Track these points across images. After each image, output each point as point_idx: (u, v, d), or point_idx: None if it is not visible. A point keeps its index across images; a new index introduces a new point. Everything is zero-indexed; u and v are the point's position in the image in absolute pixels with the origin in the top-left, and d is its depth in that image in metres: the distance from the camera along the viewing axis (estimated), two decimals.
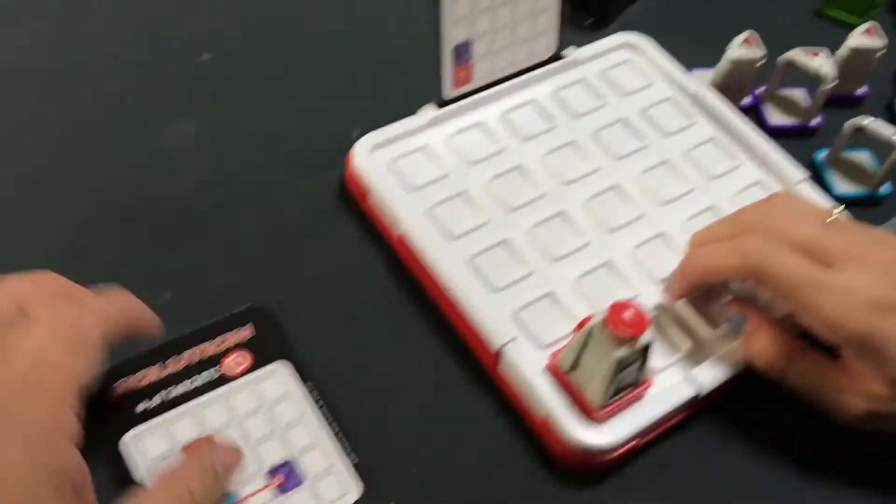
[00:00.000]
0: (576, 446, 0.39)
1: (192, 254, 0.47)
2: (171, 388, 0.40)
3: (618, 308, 0.37)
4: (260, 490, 0.38)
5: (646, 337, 0.37)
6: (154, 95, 0.53)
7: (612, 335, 0.37)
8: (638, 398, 0.41)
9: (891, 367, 0.37)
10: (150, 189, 0.49)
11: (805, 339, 0.41)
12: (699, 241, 0.44)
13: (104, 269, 0.45)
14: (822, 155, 0.53)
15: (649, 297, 0.44)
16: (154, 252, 0.46)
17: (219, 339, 0.42)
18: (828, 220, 0.41)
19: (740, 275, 0.41)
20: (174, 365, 0.41)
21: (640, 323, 0.37)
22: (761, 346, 0.41)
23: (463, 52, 0.48)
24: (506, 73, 0.51)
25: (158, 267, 0.46)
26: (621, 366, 0.38)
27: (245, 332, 0.43)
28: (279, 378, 0.41)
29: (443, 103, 0.49)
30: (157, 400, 0.40)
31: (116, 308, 0.38)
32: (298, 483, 0.38)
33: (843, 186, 0.52)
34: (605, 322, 0.37)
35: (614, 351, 0.37)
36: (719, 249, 0.41)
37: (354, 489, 0.39)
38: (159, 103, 0.53)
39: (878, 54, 0.54)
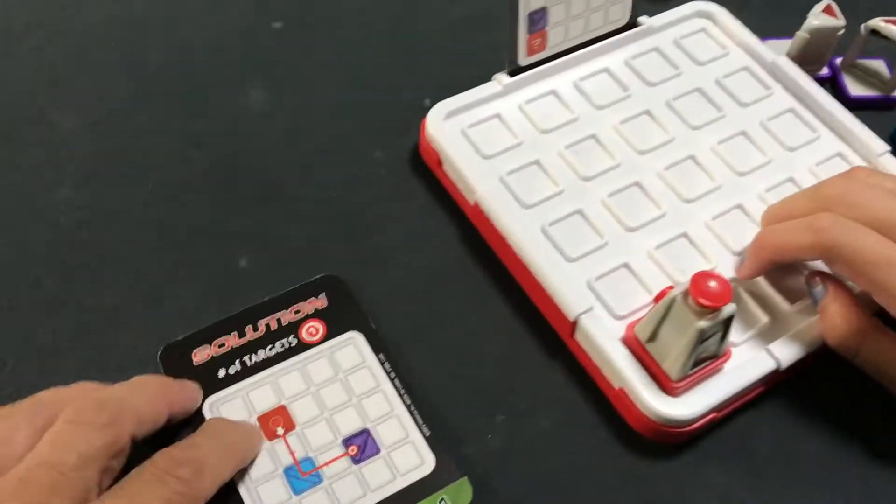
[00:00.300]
0: (653, 418, 0.39)
1: (267, 221, 0.47)
2: (249, 355, 0.41)
3: (702, 277, 0.36)
4: (337, 458, 0.38)
5: (729, 308, 0.37)
6: (227, 64, 0.53)
7: (694, 305, 0.36)
8: (716, 371, 0.40)
9: None
10: (226, 156, 0.49)
11: (882, 317, 0.40)
12: (773, 216, 0.43)
13: (181, 236, 0.46)
14: None
15: (726, 269, 0.43)
16: (230, 218, 0.47)
17: (294, 307, 0.42)
18: None
19: (814, 253, 0.40)
20: (251, 333, 0.42)
21: (724, 293, 0.36)
22: (835, 321, 0.40)
23: (538, 19, 0.47)
24: (579, 41, 0.50)
25: (234, 233, 0.46)
26: (702, 337, 0.37)
27: (319, 301, 0.43)
28: (353, 348, 0.41)
29: (515, 71, 0.49)
30: (235, 367, 0.40)
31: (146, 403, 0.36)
32: (375, 452, 0.39)
33: None
34: (688, 292, 0.36)
35: (696, 322, 0.37)
36: (792, 227, 0.40)
37: (429, 460, 0.38)
38: (232, 72, 0.53)
39: None
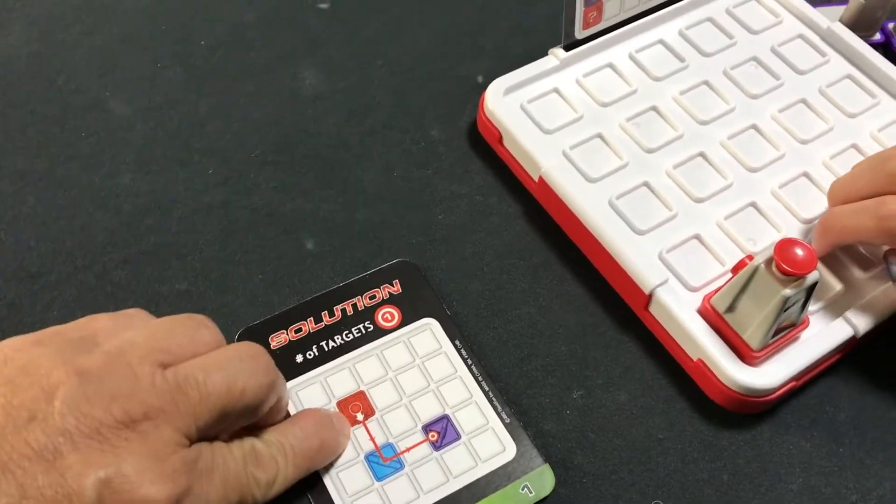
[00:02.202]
0: (734, 388, 0.39)
1: (329, 203, 0.46)
2: (326, 340, 0.41)
3: (787, 245, 0.36)
4: (418, 444, 0.38)
5: (813, 275, 0.37)
6: (276, 46, 0.53)
7: (778, 273, 0.36)
8: (795, 339, 0.40)
9: None
10: (283, 138, 0.49)
11: None
12: (839, 193, 0.42)
13: (244, 220, 0.45)
14: None
15: (797, 238, 0.43)
16: (292, 202, 0.46)
17: (369, 292, 0.42)
18: None
19: (880, 238, 0.39)
20: (327, 318, 0.41)
21: (810, 260, 0.36)
22: None
23: None
24: (634, 13, 0.49)
25: (298, 216, 0.46)
26: (785, 305, 0.37)
27: (394, 287, 0.42)
28: (429, 333, 0.41)
29: (570, 45, 0.48)
30: (313, 352, 0.40)
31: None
32: (455, 438, 0.38)
33: None
34: (773, 259, 0.36)
35: (781, 290, 0.36)
36: (857, 212, 0.40)
37: (510, 447, 0.38)
38: (282, 53, 0.52)
39: None
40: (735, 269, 0.39)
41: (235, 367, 0.33)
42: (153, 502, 0.29)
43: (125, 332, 0.33)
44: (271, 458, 0.34)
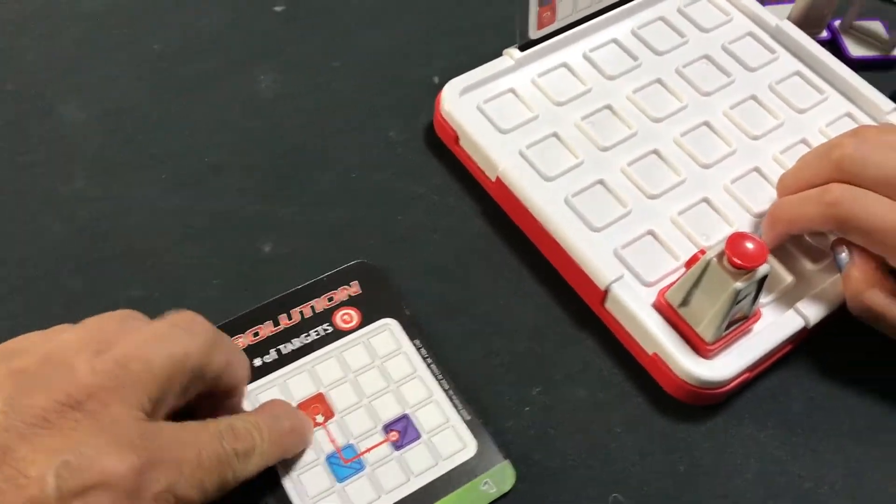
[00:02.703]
0: (688, 381, 0.39)
1: (287, 206, 0.46)
2: (284, 343, 0.41)
3: (738, 239, 0.37)
4: (378, 444, 0.38)
5: (764, 268, 0.37)
6: (232, 50, 0.53)
7: (730, 267, 0.37)
8: (747, 331, 0.41)
9: None
10: (241, 140, 0.49)
11: None
12: (787, 184, 0.43)
13: (200, 225, 0.45)
14: None
15: (748, 232, 0.44)
16: (250, 205, 0.46)
17: (327, 294, 0.42)
18: None
19: (827, 225, 0.40)
20: (286, 321, 0.41)
21: (760, 254, 0.37)
22: (858, 287, 0.40)
23: None
24: (587, 13, 0.50)
25: (255, 220, 0.46)
26: (737, 298, 0.38)
27: (352, 288, 0.42)
28: (388, 334, 0.41)
29: (525, 45, 0.49)
30: (271, 356, 0.40)
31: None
32: (415, 437, 0.39)
33: None
34: (724, 253, 0.37)
35: (733, 282, 0.37)
36: (803, 201, 0.41)
37: (471, 444, 0.39)
38: (237, 57, 0.52)
39: None
40: (688, 264, 0.40)
41: (173, 334, 0.33)
42: (113, 474, 0.28)
43: (57, 336, 0.32)
44: (247, 431, 0.34)
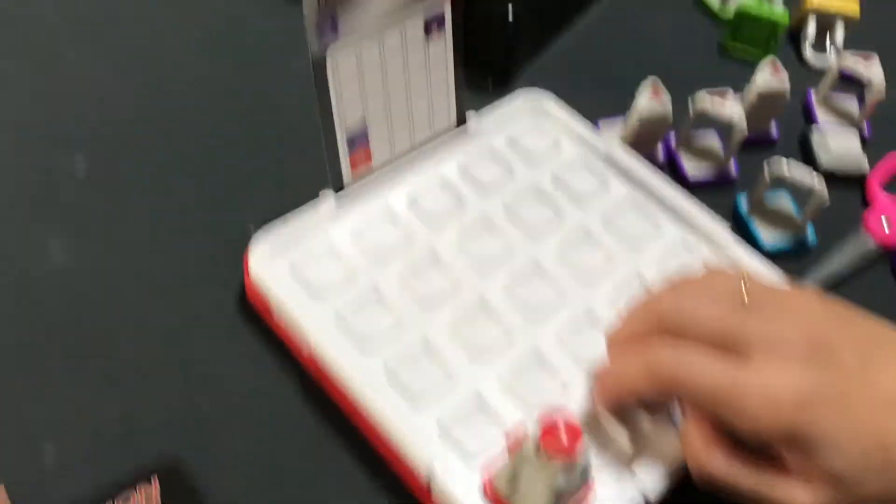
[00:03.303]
0: None
1: (76, 395, 0.42)
2: None
3: (549, 427, 0.34)
4: None
5: (583, 456, 0.35)
6: (26, 213, 0.48)
7: (547, 458, 0.34)
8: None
9: (826, 461, 0.34)
10: (27, 322, 0.44)
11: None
12: (614, 344, 0.40)
13: None
14: (744, 203, 0.51)
15: (580, 386, 0.41)
16: (32, 396, 0.41)
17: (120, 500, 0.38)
18: (746, 286, 0.38)
19: (655, 392, 0.38)
20: None
21: (574, 437, 0.34)
22: (696, 453, 0.37)
23: (358, 139, 0.44)
24: (408, 150, 0.47)
25: (37, 414, 0.41)
26: (563, 485, 0.35)
27: (150, 489, 0.38)
28: None
29: (341, 187, 0.45)
30: None
31: None
32: None
33: (769, 236, 0.50)
34: (540, 445, 0.34)
35: (553, 472, 0.34)
36: (626, 370, 0.38)
37: None
38: (31, 221, 0.48)
39: (785, 94, 0.53)
40: (511, 448, 0.37)
41: None
42: None
43: None
44: None
